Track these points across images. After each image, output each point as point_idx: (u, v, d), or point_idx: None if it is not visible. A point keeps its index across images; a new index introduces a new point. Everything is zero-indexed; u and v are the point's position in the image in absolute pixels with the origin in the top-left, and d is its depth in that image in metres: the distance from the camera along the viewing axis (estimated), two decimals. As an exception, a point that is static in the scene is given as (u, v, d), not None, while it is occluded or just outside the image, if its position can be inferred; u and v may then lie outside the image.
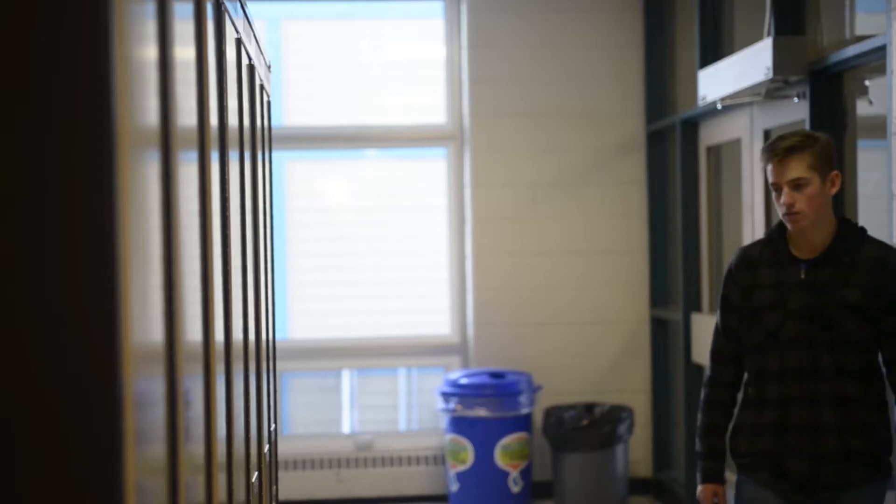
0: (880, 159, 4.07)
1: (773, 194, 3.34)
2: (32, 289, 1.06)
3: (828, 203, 3.31)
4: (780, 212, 3.31)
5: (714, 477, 3.50)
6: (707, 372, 3.53)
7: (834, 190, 3.32)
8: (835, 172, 3.31)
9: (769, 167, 3.30)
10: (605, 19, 6.76)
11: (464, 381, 6.43)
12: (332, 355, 6.91)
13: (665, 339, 6.77)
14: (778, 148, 3.29)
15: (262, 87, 3.10)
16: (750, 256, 3.44)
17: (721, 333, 3.48)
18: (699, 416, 3.54)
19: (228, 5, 2.15)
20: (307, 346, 6.89)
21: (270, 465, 3.17)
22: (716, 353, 3.50)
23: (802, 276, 3.32)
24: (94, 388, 1.06)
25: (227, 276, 2.01)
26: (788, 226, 3.31)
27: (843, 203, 4.49)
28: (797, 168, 3.25)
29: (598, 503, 6.36)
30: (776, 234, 3.40)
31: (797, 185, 3.25)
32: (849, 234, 3.33)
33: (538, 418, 6.60)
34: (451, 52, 6.89)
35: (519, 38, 6.73)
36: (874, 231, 3.45)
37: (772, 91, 4.85)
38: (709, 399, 3.50)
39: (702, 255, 6.10)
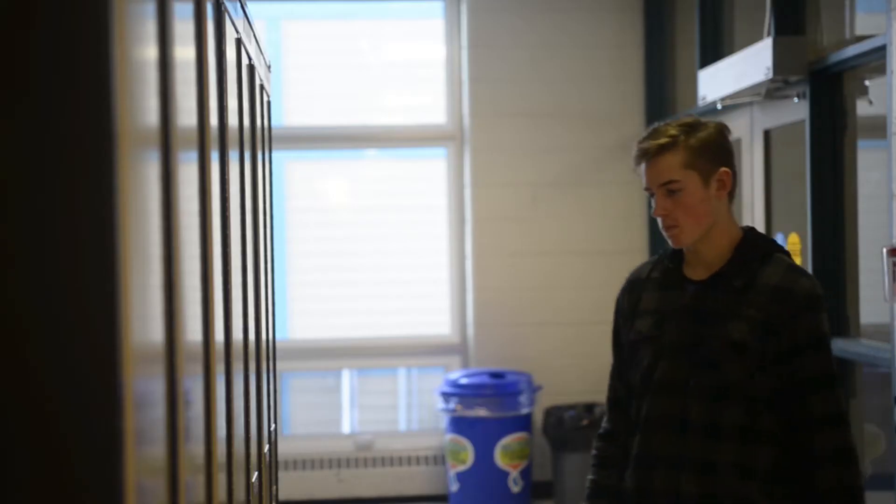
0: (880, 159, 4.07)
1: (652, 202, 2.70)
2: (32, 289, 1.06)
3: (719, 210, 2.64)
4: (660, 225, 2.70)
5: None
6: (603, 423, 2.94)
7: (724, 193, 2.64)
8: (723, 170, 2.63)
9: (641, 168, 2.67)
10: (605, 19, 6.76)
11: (464, 381, 6.43)
12: (332, 355, 6.91)
13: (665, 339, 6.75)
14: (647, 145, 2.64)
15: (262, 87, 3.10)
16: (637, 277, 2.81)
17: (614, 375, 2.94)
18: (588, 477, 2.86)
19: (228, 5, 2.14)
20: (307, 346, 6.89)
21: (270, 465, 3.17)
22: (610, 400, 2.93)
23: (686, 301, 2.65)
24: (94, 388, 1.06)
25: (227, 276, 2.01)
26: (668, 240, 2.69)
27: (843, 203, 4.50)
28: (668, 168, 2.60)
29: (598, 503, 6.35)
30: (671, 250, 2.75)
31: (670, 189, 2.61)
32: (749, 250, 2.64)
33: (538, 418, 6.60)
34: (451, 52, 6.89)
35: (519, 38, 6.73)
36: (874, 231, 3.40)
37: (772, 91, 4.85)
38: (598, 454, 2.85)
39: (702, 255, 6.09)
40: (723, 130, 2.68)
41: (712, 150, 2.63)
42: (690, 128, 2.64)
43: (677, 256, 2.73)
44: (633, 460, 2.69)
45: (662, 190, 2.62)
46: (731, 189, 2.67)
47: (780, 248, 2.70)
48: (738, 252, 2.64)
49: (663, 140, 2.61)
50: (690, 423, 2.59)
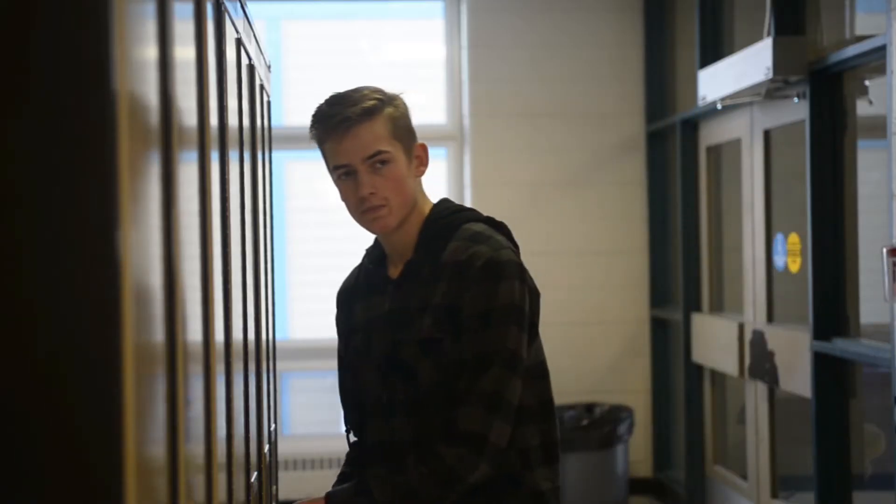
0: (880, 159, 4.07)
1: (339, 186, 2.30)
2: (32, 289, 1.06)
3: (419, 190, 2.31)
4: (351, 209, 2.31)
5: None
6: None
7: (423, 170, 2.31)
8: (420, 144, 2.31)
9: (330, 143, 2.25)
10: (605, 19, 6.76)
11: (464, 381, 6.43)
12: (332, 355, 6.89)
13: (665, 339, 6.77)
14: (346, 113, 2.22)
15: (262, 87, 3.10)
16: (345, 288, 2.47)
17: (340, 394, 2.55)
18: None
19: (228, 5, 2.14)
20: (307, 346, 6.88)
21: (270, 465, 3.17)
22: (345, 423, 2.53)
23: (386, 305, 2.30)
24: (95, 388, 1.06)
25: (227, 276, 2.01)
26: (367, 227, 2.31)
27: (843, 203, 4.50)
28: (376, 138, 2.22)
29: (598, 503, 6.36)
30: (374, 249, 2.41)
31: (379, 162, 2.22)
32: (433, 227, 2.28)
33: (538, 418, 6.59)
34: (451, 52, 6.89)
35: (519, 38, 6.73)
36: (874, 231, 3.37)
37: (772, 91, 4.85)
38: (349, 454, 2.52)
39: (702, 255, 6.10)
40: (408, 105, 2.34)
41: (409, 121, 2.31)
42: (385, 95, 2.28)
43: (377, 255, 2.38)
44: None
45: (368, 164, 2.23)
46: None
47: (474, 216, 2.32)
48: (422, 233, 2.27)
49: (368, 104, 2.23)
50: (403, 447, 2.22)
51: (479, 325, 2.16)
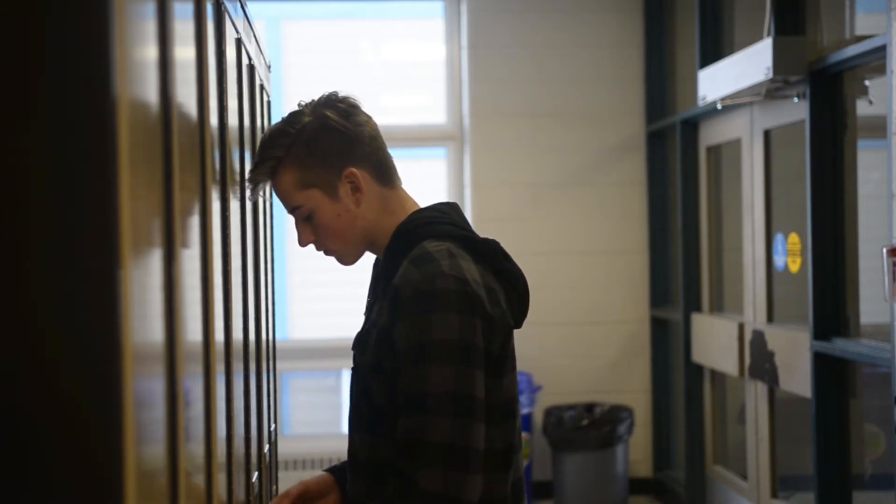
0: (880, 159, 4.07)
1: None
2: (32, 289, 1.06)
3: (367, 213, 2.11)
4: None
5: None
6: None
7: (362, 195, 2.10)
8: (348, 172, 2.09)
9: None
10: (605, 19, 6.76)
11: (464, 381, 6.42)
12: (332, 355, 6.91)
13: (665, 339, 6.77)
14: (253, 173, 2.15)
15: (262, 87, 3.10)
16: (375, 271, 2.28)
17: None
18: None
19: (228, 5, 2.14)
20: (307, 346, 6.89)
21: (270, 465, 3.17)
22: None
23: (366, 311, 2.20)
24: (95, 387, 1.06)
25: (227, 276, 2.01)
26: None
27: (843, 203, 4.50)
28: (287, 193, 2.11)
29: (598, 503, 6.36)
30: None
31: (302, 216, 2.12)
32: (402, 240, 2.09)
33: (538, 418, 6.60)
34: (451, 52, 6.89)
35: (519, 38, 6.73)
36: (874, 231, 3.37)
37: (772, 91, 4.85)
38: None
39: (702, 255, 6.10)
40: (325, 120, 2.10)
41: (323, 154, 2.09)
42: (290, 135, 2.09)
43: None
44: None
45: (295, 215, 2.13)
46: (382, 174, 2.14)
47: (444, 232, 2.07)
48: (388, 245, 2.11)
49: (266, 166, 2.11)
50: (361, 464, 2.08)
51: (411, 362, 1.93)
